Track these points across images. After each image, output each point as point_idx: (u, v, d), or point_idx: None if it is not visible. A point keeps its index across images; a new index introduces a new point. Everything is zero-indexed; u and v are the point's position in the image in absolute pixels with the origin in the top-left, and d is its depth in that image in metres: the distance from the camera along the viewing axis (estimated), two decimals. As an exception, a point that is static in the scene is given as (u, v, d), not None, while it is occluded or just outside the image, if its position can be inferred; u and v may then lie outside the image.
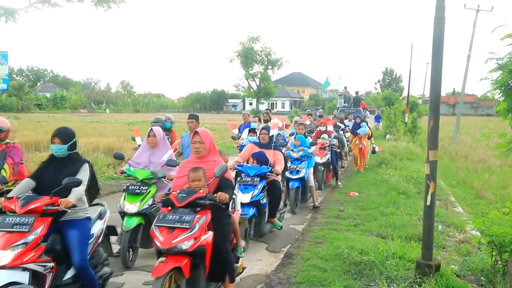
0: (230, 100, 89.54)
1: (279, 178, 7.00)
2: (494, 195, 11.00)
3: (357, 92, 28.02)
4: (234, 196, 4.87)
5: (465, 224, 7.68)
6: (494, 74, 4.43)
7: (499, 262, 4.74)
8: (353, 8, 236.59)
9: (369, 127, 15.32)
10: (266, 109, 13.05)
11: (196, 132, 4.42)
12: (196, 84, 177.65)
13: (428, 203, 4.99)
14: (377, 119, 36.69)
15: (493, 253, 4.80)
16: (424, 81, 54.54)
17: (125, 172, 6.01)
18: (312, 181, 9.17)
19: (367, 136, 14.41)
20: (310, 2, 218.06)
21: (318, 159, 10.62)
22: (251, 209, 6.20)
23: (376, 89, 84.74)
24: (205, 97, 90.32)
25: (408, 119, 26.75)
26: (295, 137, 9.39)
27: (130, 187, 5.84)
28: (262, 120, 11.54)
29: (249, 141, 8.32)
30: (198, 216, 3.94)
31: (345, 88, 28.34)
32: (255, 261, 5.91)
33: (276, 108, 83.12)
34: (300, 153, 8.90)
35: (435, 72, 4.99)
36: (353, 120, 16.17)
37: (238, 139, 10.36)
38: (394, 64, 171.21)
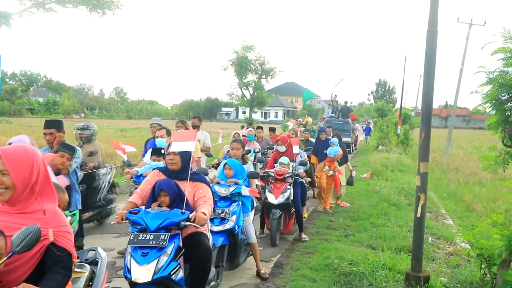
0: (223, 109, 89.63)
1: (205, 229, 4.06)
2: (484, 208, 11.04)
3: (346, 102, 27.14)
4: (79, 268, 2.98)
5: (455, 236, 7.71)
6: (484, 88, 4.46)
7: (488, 275, 4.76)
8: (348, 20, 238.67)
9: (345, 144, 11.09)
10: (195, 116, 8.82)
11: None
12: (190, 92, 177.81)
13: (418, 215, 5.02)
14: (367, 131, 35.14)
15: (482, 266, 4.82)
16: (417, 94, 55.12)
17: None
18: (252, 236, 5.58)
19: (337, 159, 9.80)
20: (305, 12, 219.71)
21: (271, 199, 7.03)
22: None
23: (369, 100, 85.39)
24: (199, 105, 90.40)
25: (401, 131, 26.95)
26: (225, 163, 5.69)
27: None
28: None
29: (152, 168, 5.38)
30: None
31: (335, 96, 24.88)
32: (245, 270, 5.85)
33: (269, 117, 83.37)
34: (231, 188, 5.35)
35: (427, 85, 5.05)
36: (331, 135, 10.68)
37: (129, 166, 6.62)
38: (387, 76, 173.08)
